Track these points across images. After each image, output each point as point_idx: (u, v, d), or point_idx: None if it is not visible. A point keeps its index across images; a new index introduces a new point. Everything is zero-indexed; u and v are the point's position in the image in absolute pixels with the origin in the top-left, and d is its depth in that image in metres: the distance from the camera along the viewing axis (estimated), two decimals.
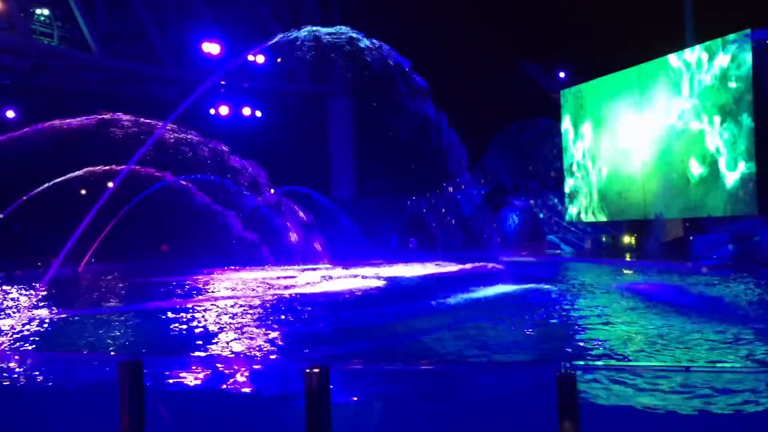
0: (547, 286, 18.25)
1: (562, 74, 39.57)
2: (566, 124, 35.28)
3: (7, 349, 10.05)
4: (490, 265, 23.28)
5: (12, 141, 18.88)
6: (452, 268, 25.70)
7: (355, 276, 23.65)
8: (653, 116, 29.43)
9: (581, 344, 10.37)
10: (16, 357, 9.12)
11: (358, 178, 44.09)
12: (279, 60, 40.91)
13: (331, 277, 23.55)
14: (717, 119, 26.22)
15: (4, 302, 18.77)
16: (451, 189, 40.67)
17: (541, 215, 37.24)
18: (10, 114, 34.97)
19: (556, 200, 36.85)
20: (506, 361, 8.62)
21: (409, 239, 41.63)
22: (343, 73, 42.61)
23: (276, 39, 14.98)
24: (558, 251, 32.77)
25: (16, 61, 33.49)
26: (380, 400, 7.14)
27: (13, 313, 16.30)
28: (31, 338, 12.23)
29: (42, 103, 33.45)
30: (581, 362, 8.35)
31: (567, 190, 35.13)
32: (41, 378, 8.42)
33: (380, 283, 21.03)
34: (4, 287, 23.04)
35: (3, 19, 32.23)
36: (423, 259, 29.43)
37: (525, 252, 31.53)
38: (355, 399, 6.90)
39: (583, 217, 34.10)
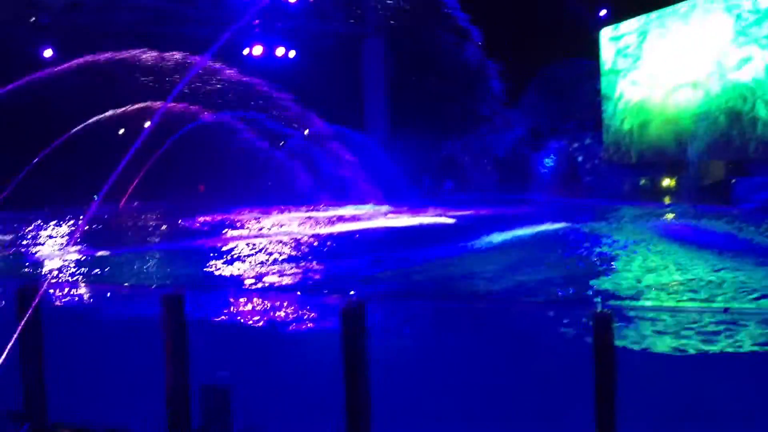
0: (586, 227, 18.21)
1: (603, 11, 38.30)
2: (606, 62, 34.39)
3: (53, 281, 10.34)
4: (529, 205, 23.17)
5: (51, 78, 19.05)
6: (491, 210, 25.56)
7: (399, 215, 23.73)
8: (699, 54, 28.49)
9: (617, 284, 10.34)
10: (64, 289, 9.39)
11: (391, 120, 43.73)
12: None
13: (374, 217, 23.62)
14: None
15: (49, 238, 19.28)
16: (486, 130, 40.20)
17: (579, 158, 36.71)
18: (48, 53, 35.18)
19: (591, 141, 36.24)
20: (543, 300, 8.64)
21: (442, 181, 41.44)
22: (378, 12, 41.85)
23: None
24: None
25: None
26: (415, 334, 7.23)
27: (57, 249, 16.75)
28: (76, 273, 12.58)
29: (78, 43, 33.53)
30: (618, 302, 8.33)
31: (605, 131, 34.48)
32: (88, 310, 8.68)
33: (432, 221, 21.11)
34: (48, 224, 23.63)
35: None
36: (461, 201, 29.30)
37: (562, 193, 31.23)
38: (392, 334, 7.00)
39: (621, 158, 33.53)
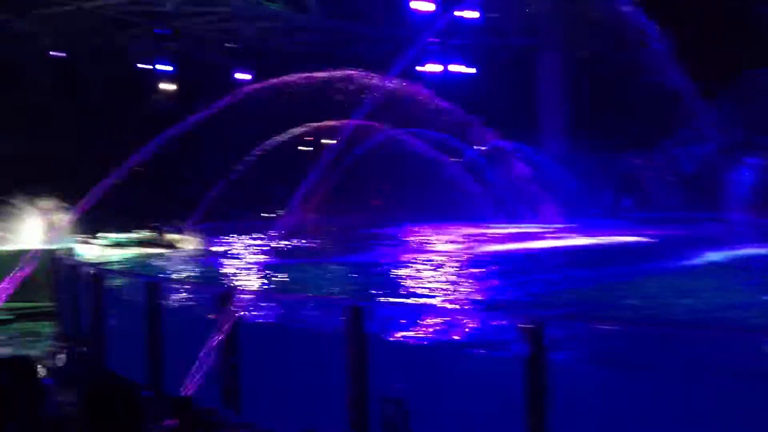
0: None
1: None
2: None
3: (243, 289, 11.04)
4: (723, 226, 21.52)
5: (244, 100, 20.50)
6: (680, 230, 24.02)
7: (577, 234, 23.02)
8: None
9: None
10: (252, 297, 9.96)
11: (569, 134, 42.48)
12: (489, 15, 40.23)
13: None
14: None
15: (242, 249, 20.72)
16: (672, 144, 37.86)
17: None
18: (240, 76, 38.11)
19: None
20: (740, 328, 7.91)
21: (622, 198, 39.55)
22: (555, 24, 41.02)
23: None
24: None
25: (243, 26, 36.26)
26: (598, 361, 6.91)
27: (249, 258, 17.94)
28: (264, 280, 13.37)
29: (268, 65, 35.92)
30: None
31: None
32: (275, 317, 9.16)
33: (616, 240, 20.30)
34: (240, 235, 25.40)
35: None
36: (644, 220, 27.83)
37: (759, 214, 28.58)
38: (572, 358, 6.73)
39: None
